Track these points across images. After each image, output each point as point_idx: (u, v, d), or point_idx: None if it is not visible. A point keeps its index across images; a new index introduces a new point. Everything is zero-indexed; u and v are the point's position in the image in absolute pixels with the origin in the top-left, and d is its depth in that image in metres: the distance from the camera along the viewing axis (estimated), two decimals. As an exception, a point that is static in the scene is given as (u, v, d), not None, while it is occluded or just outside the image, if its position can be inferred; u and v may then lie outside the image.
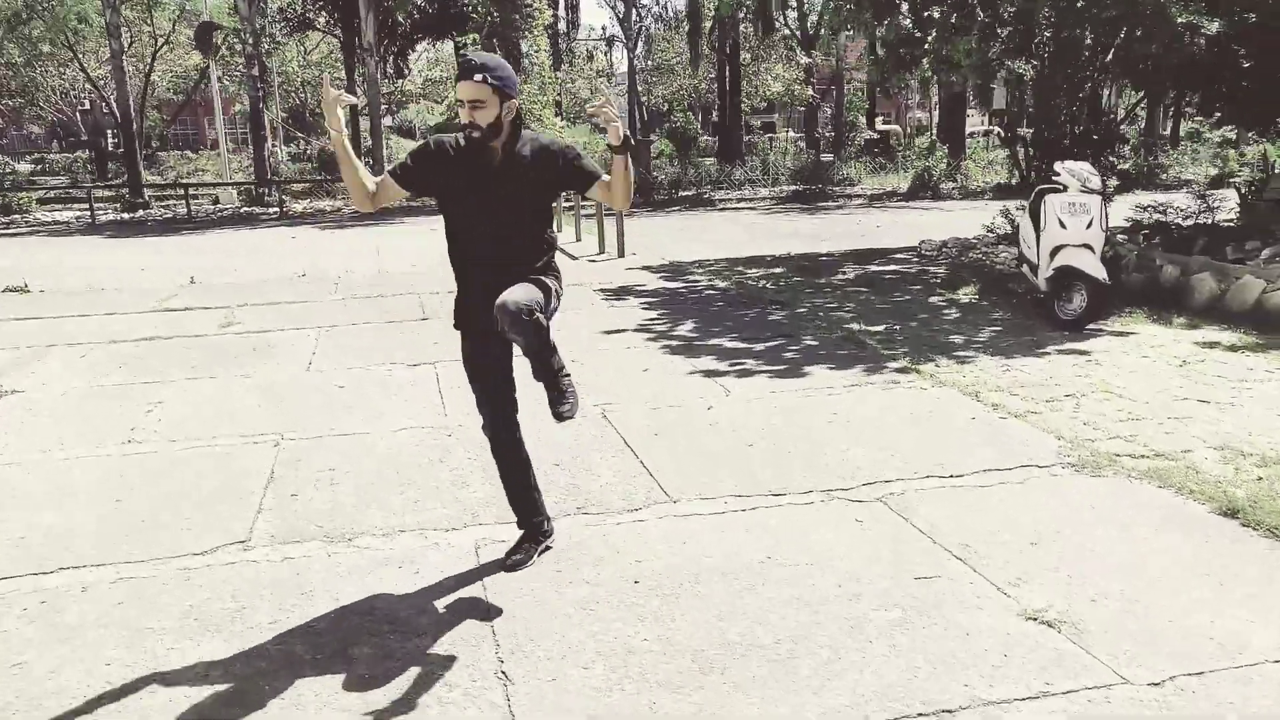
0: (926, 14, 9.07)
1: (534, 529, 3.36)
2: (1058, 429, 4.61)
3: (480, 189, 2.98)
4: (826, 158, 25.24)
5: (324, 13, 25.56)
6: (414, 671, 2.66)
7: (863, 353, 6.30)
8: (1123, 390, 5.26)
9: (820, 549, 3.38)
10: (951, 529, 3.52)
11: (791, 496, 3.87)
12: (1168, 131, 29.20)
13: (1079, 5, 8.51)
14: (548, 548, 3.38)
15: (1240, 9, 7.71)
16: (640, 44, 28.34)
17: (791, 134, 36.63)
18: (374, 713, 2.47)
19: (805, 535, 3.50)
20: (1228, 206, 10.60)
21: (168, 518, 3.75)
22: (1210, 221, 9.76)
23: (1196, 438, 4.45)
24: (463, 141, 2.95)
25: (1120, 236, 8.81)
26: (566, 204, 14.13)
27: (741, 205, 20.31)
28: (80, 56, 28.44)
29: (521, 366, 3.07)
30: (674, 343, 6.79)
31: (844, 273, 9.95)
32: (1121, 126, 11.82)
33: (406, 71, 29.95)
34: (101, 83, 29.92)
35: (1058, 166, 6.97)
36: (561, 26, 27.99)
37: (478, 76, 2.86)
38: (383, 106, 25.02)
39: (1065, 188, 6.83)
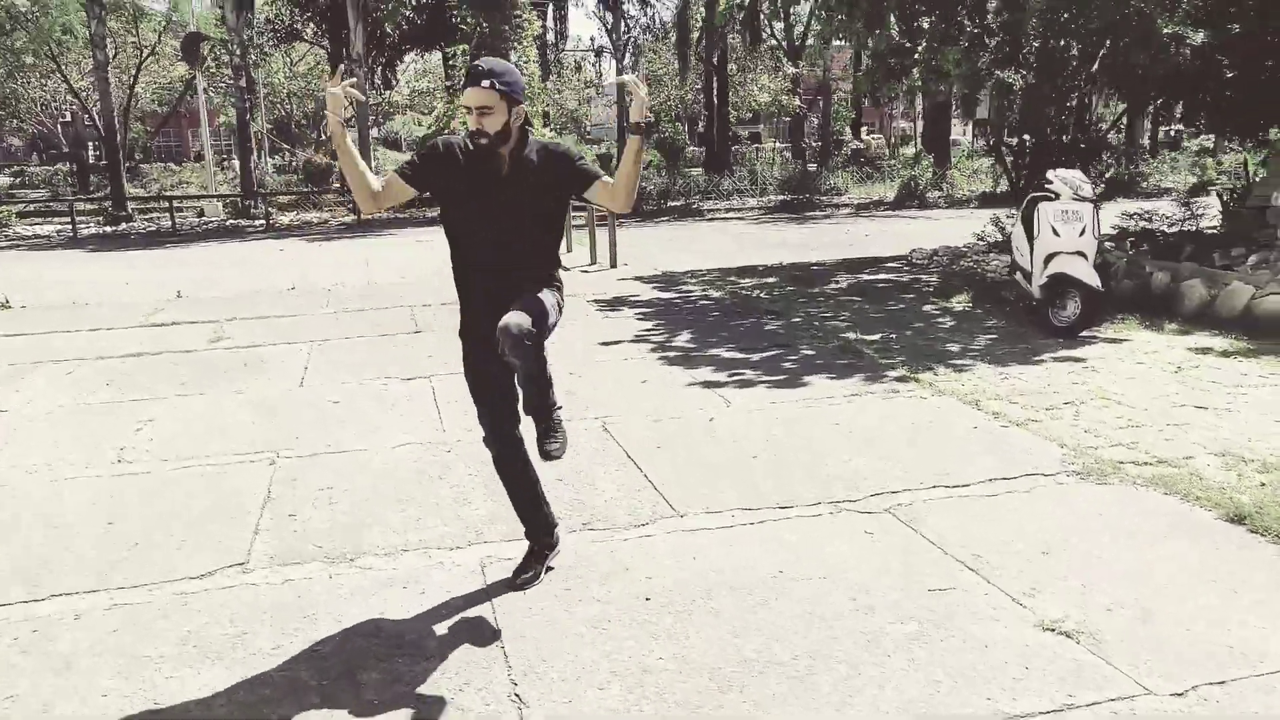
0: (916, 24, 9.11)
1: (542, 544, 3.30)
2: (1060, 437, 4.60)
3: (482, 194, 2.94)
4: (813, 168, 25.34)
5: (311, 24, 25.49)
6: (424, 696, 2.59)
7: (860, 362, 6.28)
8: (1121, 397, 5.26)
9: (832, 562, 3.34)
10: (961, 539, 3.49)
11: (799, 509, 3.83)
12: (1145, 140, 29.52)
13: (1065, 17, 8.58)
14: (555, 556, 3.33)
15: (1225, 20, 7.79)
16: (628, 55, 28.42)
17: (777, 144, 36.80)
18: (385, 739, 2.41)
19: (816, 548, 3.46)
20: (1211, 214, 10.69)
21: (162, 540, 3.66)
22: (1195, 229, 9.84)
23: (1197, 444, 4.45)
24: (471, 146, 2.91)
25: (1108, 244, 8.85)
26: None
27: (730, 215, 20.34)
28: (63, 68, 28.22)
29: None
30: (671, 354, 6.75)
31: (836, 282, 9.95)
32: (1109, 135, 11.92)
33: (394, 82, 29.88)
34: (84, 94, 29.70)
35: (1050, 174, 7.00)
36: (550, 38, 28.04)
37: (485, 82, 2.82)
38: (370, 118, 24.91)
39: (1058, 195, 6.85)
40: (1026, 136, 9.89)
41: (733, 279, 10.33)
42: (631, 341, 7.20)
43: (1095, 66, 9.10)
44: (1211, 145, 22.81)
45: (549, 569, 3.30)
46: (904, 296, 8.91)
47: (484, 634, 2.92)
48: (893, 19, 9.45)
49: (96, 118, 24.79)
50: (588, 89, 36.17)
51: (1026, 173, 9.65)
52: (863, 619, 2.95)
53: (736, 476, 4.21)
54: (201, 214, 22.07)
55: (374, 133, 29.90)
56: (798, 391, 5.62)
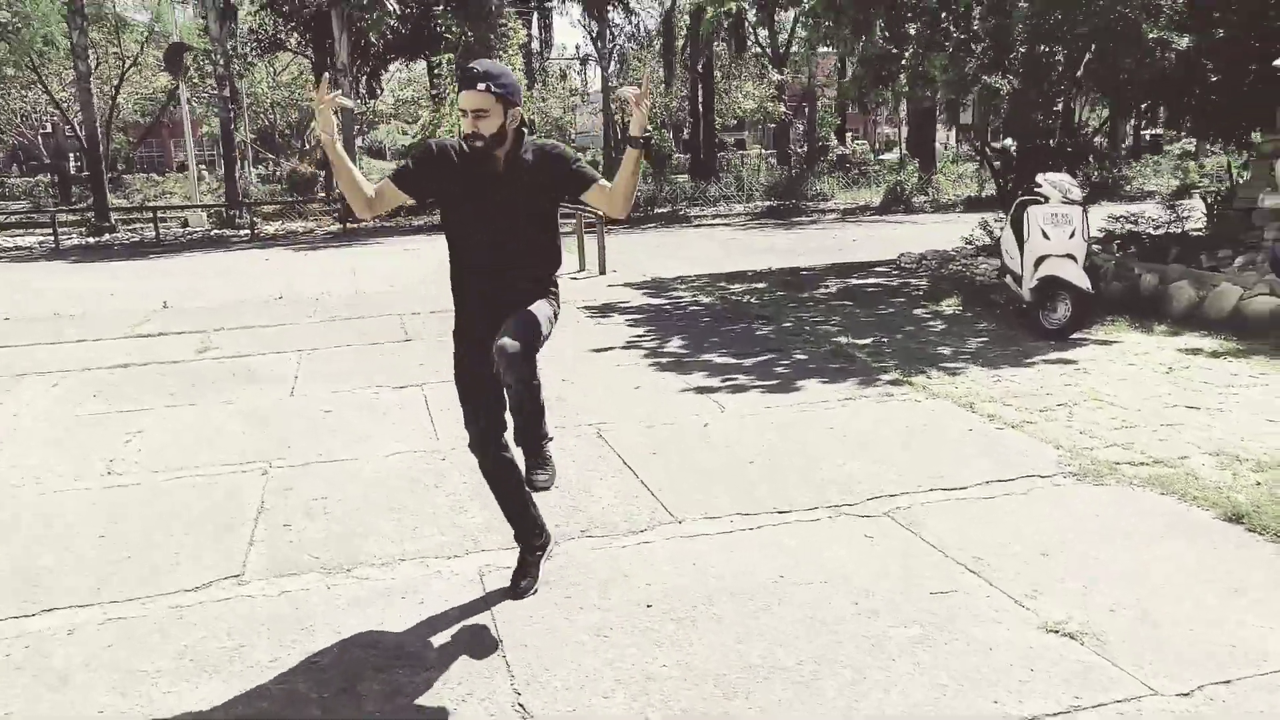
0: (902, 30, 9.16)
1: (533, 546, 3.26)
2: (1055, 438, 4.61)
3: (477, 196, 2.93)
4: (798, 174, 25.43)
5: (295, 33, 25.39)
6: (426, 708, 2.56)
7: (853, 366, 6.29)
8: (1113, 398, 5.29)
9: (832, 566, 3.33)
10: (961, 542, 3.48)
11: (797, 513, 3.82)
12: (1126, 144, 29.81)
13: (1050, 24, 8.65)
14: (550, 555, 3.30)
15: (1209, 24, 7.87)
16: (614, 62, 28.47)
17: (762, 151, 36.91)
18: (387, 751, 2.38)
19: (816, 553, 3.44)
20: (1195, 216, 10.80)
21: (155, 553, 3.61)
22: (1180, 231, 9.94)
23: (1191, 444, 4.47)
24: (466, 149, 2.90)
25: (1095, 247, 8.92)
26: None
27: (717, 221, 20.37)
28: (44, 79, 28.01)
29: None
30: (663, 359, 6.74)
31: (826, 286, 9.97)
32: (1095, 139, 12.04)
33: (379, 92, 29.80)
34: (66, 105, 29.48)
35: (1039, 178, 7.04)
36: (535, 46, 28.03)
37: (481, 85, 2.80)
38: (355, 127, 24.84)
39: (1047, 199, 6.90)
40: (1010, 141, 9.96)
41: (722, 284, 10.33)
42: (623, 348, 7.18)
43: (1080, 71, 9.17)
44: (1193, 149, 23.07)
45: (548, 558, 3.27)
46: (894, 300, 8.93)
47: (485, 644, 2.89)
48: (879, 26, 9.50)
49: (78, 129, 24.58)
50: (573, 97, 36.19)
51: (1014, 177, 9.70)
52: (866, 623, 2.94)
53: (733, 482, 4.19)
54: (186, 224, 21.93)
55: (359, 142, 29.83)
56: (791, 396, 5.61)
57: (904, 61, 9.20)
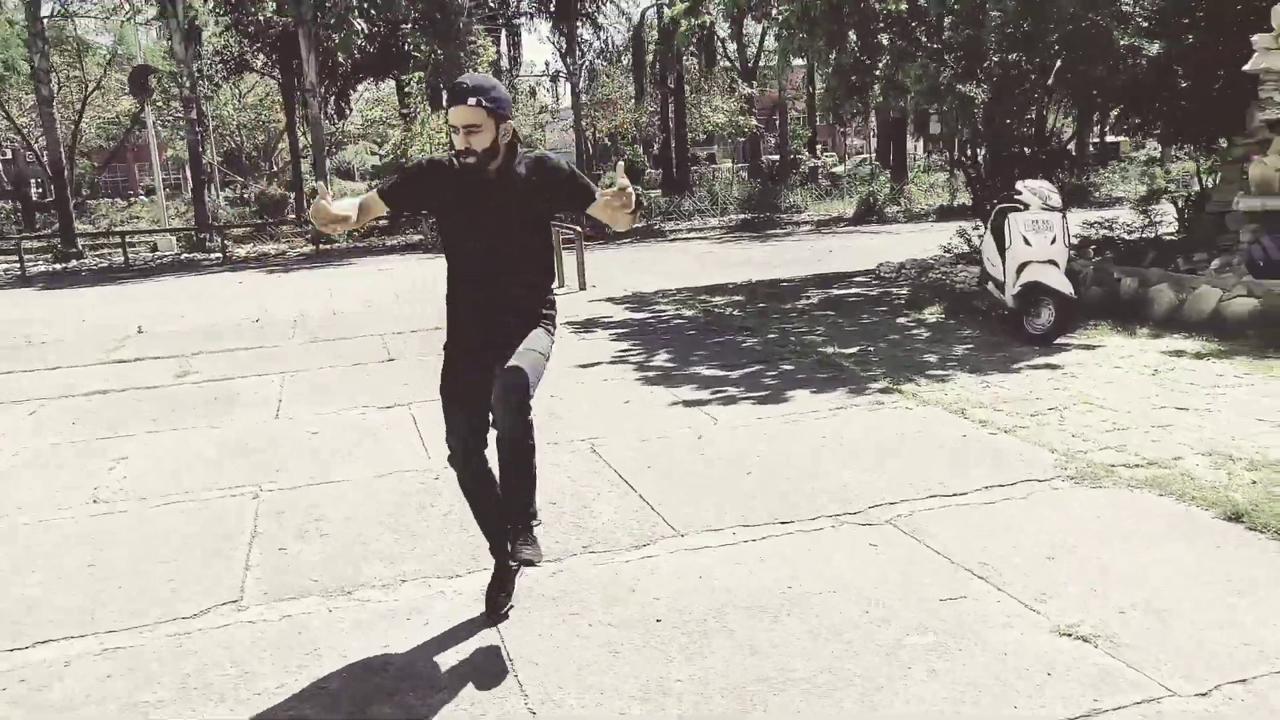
0: (875, 40, 9.26)
1: (504, 556, 3.13)
2: (1049, 442, 4.64)
3: (470, 204, 2.92)
4: (771, 186, 25.61)
5: (262, 54, 25.22)
6: (441, 730, 2.50)
7: (841, 375, 6.30)
8: (1103, 401, 5.33)
9: (839, 575, 3.31)
10: (966, 548, 3.48)
11: (800, 523, 3.80)
12: (1092, 150, 30.32)
13: (1021, 34, 8.78)
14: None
15: (1179, 31, 8.03)
16: (583, 79, 28.56)
17: (733, 164, 37.16)
18: (404, 778, 2.32)
19: (822, 562, 3.42)
20: (1167, 221, 10.98)
21: (148, 580, 3.52)
22: (1155, 235, 10.10)
23: (1183, 444, 4.51)
24: (458, 165, 2.87)
25: (1071, 252, 9.04)
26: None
27: (692, 235, 20.44)
28: (4, 104, 27.58)
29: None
30: (651, 373, 6.72)
31: (808, 297, 10.01)
32: (1068, 146, 12.25)
33: (348, 112, 29.64)
34: (27, 130, 29.02)
35: (1019, 185, 7.12)
36: (504, 64, 28.04)
37: (471, 100, 2.77)
38: (324, 147, 24.64)
39: (1027, 206, 6.98)
40: (981, 150, 10.09)
41: (704, 297, 10.34)
42: (610, 363, 7.15)
43: (1051, 80, 9.32)
44: (1159, 155, 23.51)
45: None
46: (877, 309, 8.98)
47: (495, 663, 2.84)
48: (852, 36, 9.60)
49: (40, 154, 24.20)
50: (543, 114, 36.25)
51: (990, 184, 9.82)
52: (878, 631, 2.92)
53: (732, 493, 4.17)
54: (155, 249, 21.64)
55: (327, 164, 29.59)
56: (782, 407, 5.60)
57: (878, 72, 9.30)
